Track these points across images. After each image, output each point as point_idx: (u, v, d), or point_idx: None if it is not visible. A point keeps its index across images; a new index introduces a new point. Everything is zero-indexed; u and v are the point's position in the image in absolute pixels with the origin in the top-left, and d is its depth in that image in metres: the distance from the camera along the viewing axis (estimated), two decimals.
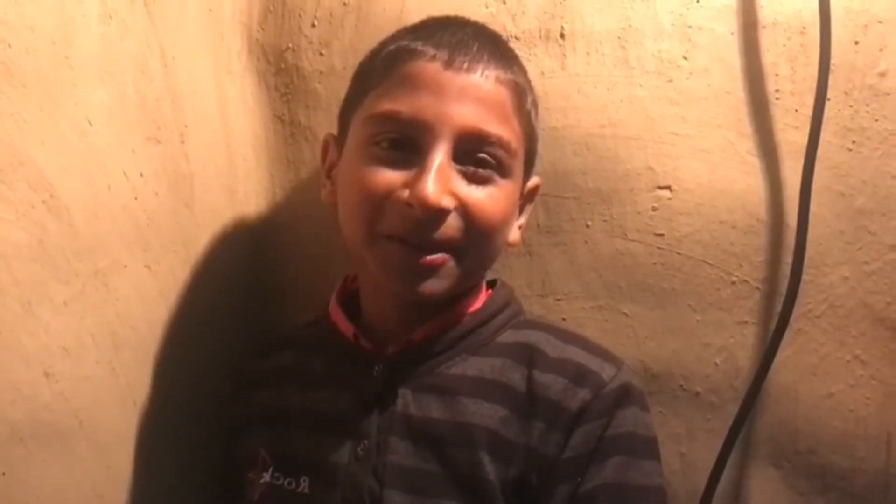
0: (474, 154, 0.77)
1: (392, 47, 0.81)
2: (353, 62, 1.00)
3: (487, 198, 0.78)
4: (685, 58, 0.97)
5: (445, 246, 0.77)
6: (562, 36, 0.99)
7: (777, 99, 0.97)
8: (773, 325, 0.96)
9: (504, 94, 0.80)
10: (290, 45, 1.05)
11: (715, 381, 1.00)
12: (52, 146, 0.70)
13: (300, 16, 1.04)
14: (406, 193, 0.75)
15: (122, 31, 0.80)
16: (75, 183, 0.73)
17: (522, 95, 0.82)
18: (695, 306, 0.99)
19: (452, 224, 0.77)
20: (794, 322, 0.96)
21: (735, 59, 0.97)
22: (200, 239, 0.94)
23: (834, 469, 0.99)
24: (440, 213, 0.75)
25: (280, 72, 1.06)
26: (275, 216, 1.09)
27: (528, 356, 0.82)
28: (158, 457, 0.86)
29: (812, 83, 0.93)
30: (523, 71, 0.85)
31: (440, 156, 0.75)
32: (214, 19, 0.99)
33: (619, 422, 0.78)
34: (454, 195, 0.76)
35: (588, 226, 1.00)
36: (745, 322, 0.99)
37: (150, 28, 0.85)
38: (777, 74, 0.96)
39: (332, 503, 0.79)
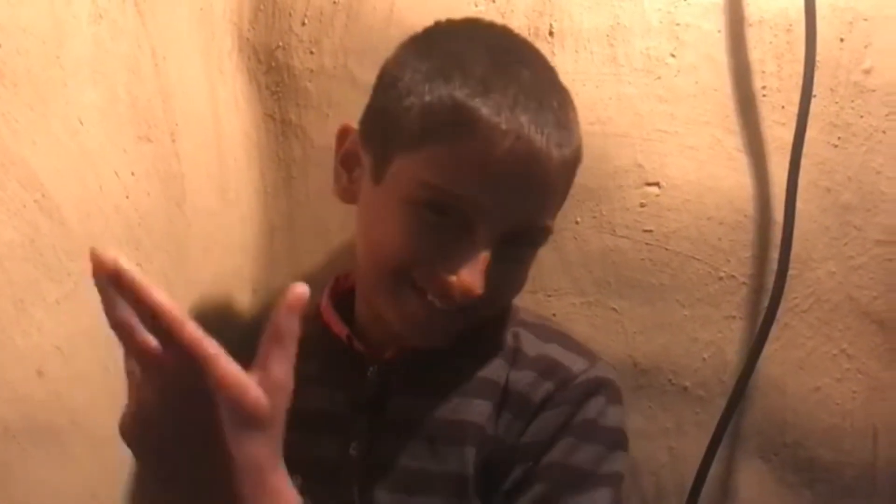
0: (518, 237, 0.75)
1: (469, 105, 0.71)
2: (344, 60, 1.01)
3: (517, 274, 0.79)
4: (673, 55, 0.98)
5: (466, 308, 0.76)
6: (550, 34, 0.99)
7: (764, 96, 0.97)
8: (760, 319, 0.97)
9: (565, 179, 0.78)
10: (281, 44, 1.06)
11: (703, 376, 1.01)
12: (44, 146, 0.70)
13: (290, 14, 1.05)
14: (451, 277, 0.72)
15: (112, 31, 0.80)
16: (67, 182, 0.73)
17: (579, 160, 0.79)
18: (683, 301, 1.00)
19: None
20: (781, 317, 0.97)
21: (722, 57, 0.98)
22: (192, 238, 0.94)
23: (821, 462, 1.00)
24: (476, 298, 0.74)
25: (271, 70, 1.07)
26: (266, 215, 1.09)
27: (512, 356, 0.83)
28: None
29: (798, 80, 0.94)
30: (577, 124, 0.79)
31: (490, 251, 0.73)
32: (205, 19, 0.99)
33: (583, 411, 0.79)
34: (488, 274, 0.74)
35: (577, 222, 1.01)
36: (733, 317, 1.00)
37: (141, 28, 0.85)
38: (764, 71, 0.97)
39: (324, 501, 0.80)
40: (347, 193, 0.84)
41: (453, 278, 0.72)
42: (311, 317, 0.90)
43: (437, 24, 0.82)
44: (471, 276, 0.72)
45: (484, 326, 0.84)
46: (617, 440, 0.81)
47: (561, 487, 0.76)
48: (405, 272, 0.76)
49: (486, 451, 0.79)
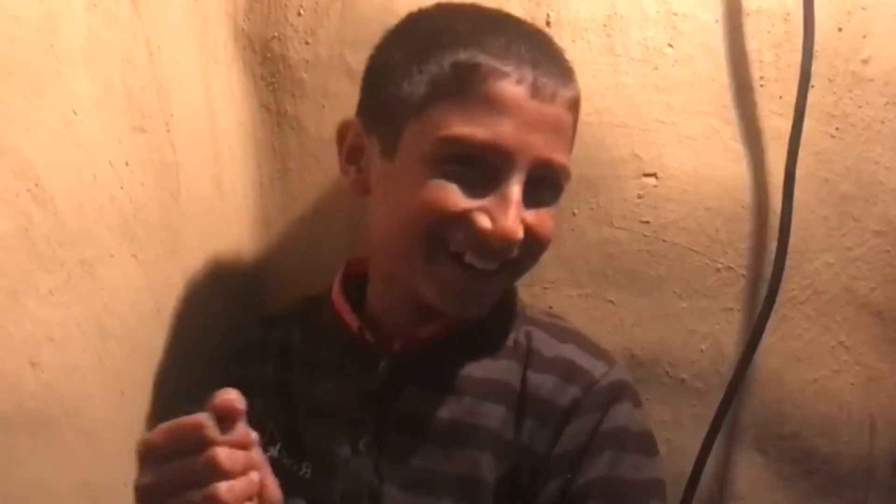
0: (541, 180, 0.76)
1: (465, 57, 0.74)
2: (340, 51, 1.00)
3: (547, 221, 0.78)
4: (670, 45, 0.98)
5: (503, 265, 0.77)
6: (547, 24, 0.99)
7: (762, 86, 0.97)
8: (758, 311, 0.97)
9: (571, 119, 0.79)
10: (276, 35, 1.05)
11: (701, 368, 1.01)
12: (38, 135, 0.70)
13: (286, 5, 1.04)
14: (488, 224, 0.73)
15: (107, 20, 0.79)
16: (61, 172, 0.73)
17: (579, 111, 0.81)
18: (680, 293, 1.00)
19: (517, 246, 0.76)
20: (779, 308, 0.96)
21: (720, 46, 0.98)
22: (187, 229, 0.94)
23: (818, 453, 1.00)
24: (516, 244, 0.74)
25: (266, 61, 1.06)
26: (261, 205, 1.09)
27: (525, 356, 0.82)
28: None
29: (796, 70, 0.94)
30: (573, 70, 0.82)
31: (519, 188, 0.73)
32: (200, 9, 0.99)
33: (611, 417, 0.78)
34: (523, 220, 0.75)
35: (574, 213, 1.01)
36: (731, 308, 0.99)
37: (135, 17, 0.84)
38: (761, 61, 0.97)
39: (332, 493, 0.79)
40: (359, 186, 0.83)
41: (490, 226, 0.73)
42: (321, 302, 0.90)
43: (411, 14, 0.83)
44: (507, 220, 0.72)
45: (492, 323, 0.83)
46: (651, 444, 0.81)
47: (614, 501, 0.76)
48: (438, 237, 0.75)
49: (509, 459, 0.78)
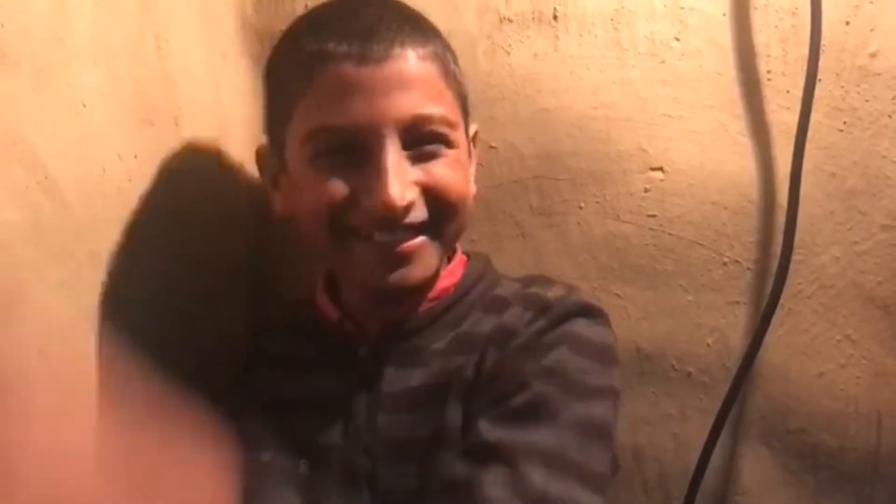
0: (419, 136, 0.76)
1: (301, 53, 0.78)
2: None
3: (442, 171, 0.77)
4: (677, 39, 0.98)
5: (418, 229, 0.77)
6: (555, 17, 0.99)
7: (769, 80, 0.97)
8: (764, 305, 0.97)
9: (429, 69, 0.78)
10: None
11: (707, 362, 1.01)
12: (47, 127, 0.70)
13: None
14: (369, 200, 0.74)
15: (115, 13, 0.80)
16: (69, 164, 0.73)
17: (445, 61, 0.80)
18: (687, 287, 1.00)
19: (419, 207, 0.77)
20: (786, 302, 0.96)
21: (727, 40, 0.98)
22: (193, 222, 0.94)
23: (824, 448, 1.00)
24: (406, 209, 0.75)
25: None
26: (267, 200, 1.09)
27: (497, 306, 0.83)
28: None
29: (803, 64, 0.94)
30: (437, 33, 0.82)
31: (390, 155, 0.74)
32: (207, 2, 0.99)
33: (567, 326, 0.78)
34: (413, 183, 0.76)
35: (581, 207, 1.01)
36: (737, 302, 0.99)
37: (144, 11, 0.85)
38: (769, 55, 0.97)
39: (329, 482, 0.80)
40: (286, 207, 0.85)
41: (371, 202, 0.74)
42: (306, 304, 0.91)
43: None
44: (384, 189, 0.73)
45: (460, 292, 0.84)
46: (609, 357, 0.80)
47: (558, 391, 0.74)
48: (344, 227, 0.77)
49: (470, 392, 0.78)
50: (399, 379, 0.81)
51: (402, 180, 0.74)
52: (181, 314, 0.92)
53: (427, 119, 0.76)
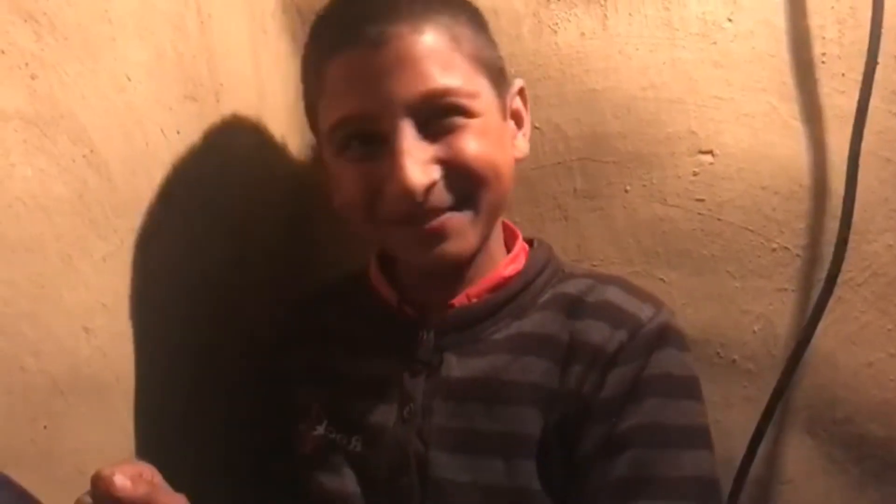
0: (434, 111, 0.75)
1: (310, 54, 0.82)
2: None
3: (465, 142, 0.76)
4: (730, 20, 0.95)
5: (448, 206, 0.77)
6: None
7: (823, 63, 0.94)
8: (812, 292, 0.95)
9: (433, 41, 0.75)
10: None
11: (752, 349, 0.99)
12: (92, 101, 0.70)
13: None
14: (390, 185, 0.74)
15: None
16: (114, 139, 0.73)
17: (453, 28, 0.78)
18: (734, 273, 0.98)
19: (442, 185, 0.76)
20: (836, 290, 0.94)
21: (781, 22, 0.95)
22: (232, 200, 0.94)
23: (871, 438, 0.98)
24: (428, 189, 0.74)
25: None
26: (307, 177, 1.08)
27: (569, 306, 0.81)
28: (193, 413, 0.86)
29: (860, 46, 0.91)
30: (441, 1, 0.79)
31: (403, 137, 0.74)
32: None
33: (656, 363, 0.77)
34: (433, 161, 0.75)
35: (627, 190, 0.99)
36: (785, 289, 0.97)
37: None
38: (824, 37, 0.94)
39: (381, 464, 0.80)
40: (337, 202, 0.85)
41: (391, 186, 0.74)
42: (360, 279, 0.90)
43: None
44: (400, 172, 0.73)
45: (526, 280, 0.83)
46: (696, 389, 0.80)
47: (657, 448, 0.75)
48: (381, 213, 0.77)
49: (555, 409, 0.77)
50: (459, 367, 0.80)
51: (419, 160, 0.74)
52: (224, 288, 0.91)
53: (437, 93, 0.75)
